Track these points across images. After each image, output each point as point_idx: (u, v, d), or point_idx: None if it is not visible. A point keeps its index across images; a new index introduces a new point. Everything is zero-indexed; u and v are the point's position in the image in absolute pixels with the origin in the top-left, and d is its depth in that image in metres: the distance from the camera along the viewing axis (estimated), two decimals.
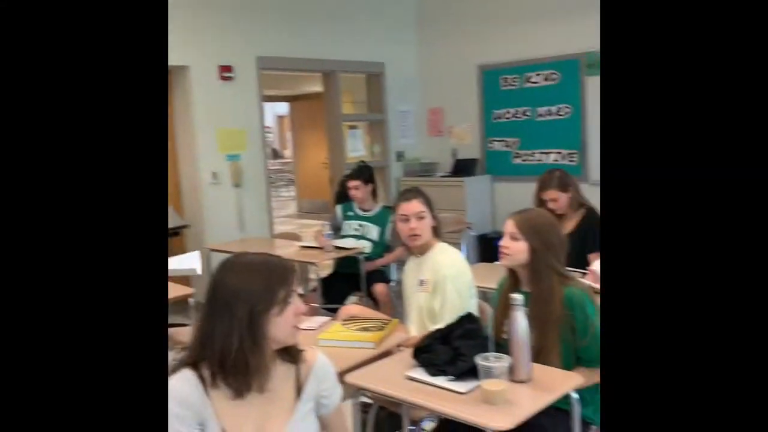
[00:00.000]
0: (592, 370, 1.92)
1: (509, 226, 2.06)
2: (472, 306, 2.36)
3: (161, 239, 1.16)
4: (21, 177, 1.03)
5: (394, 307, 3.72)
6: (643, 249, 1.07)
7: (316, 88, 6.68)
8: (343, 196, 4.32)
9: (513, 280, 2.08)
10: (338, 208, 4.26)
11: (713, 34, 1.05)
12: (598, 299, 2.03)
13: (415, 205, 2.42)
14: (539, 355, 1.93)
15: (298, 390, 1.52)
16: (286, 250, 4.00)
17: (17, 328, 1.01)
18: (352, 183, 4.04)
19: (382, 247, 4.05)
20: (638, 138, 1.08)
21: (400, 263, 4.11)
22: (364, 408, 2.40)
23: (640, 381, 1.06)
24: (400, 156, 5.95)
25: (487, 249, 5.34)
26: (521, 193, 3.68)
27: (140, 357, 1.07)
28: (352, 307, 2.69)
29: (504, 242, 2.05)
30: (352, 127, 6.08)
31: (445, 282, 2.33)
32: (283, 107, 12.05)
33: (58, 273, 1.03)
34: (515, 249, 2.02)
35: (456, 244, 4.55)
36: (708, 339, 1.02)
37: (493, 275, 2.21)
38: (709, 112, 1.04)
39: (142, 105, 1.13)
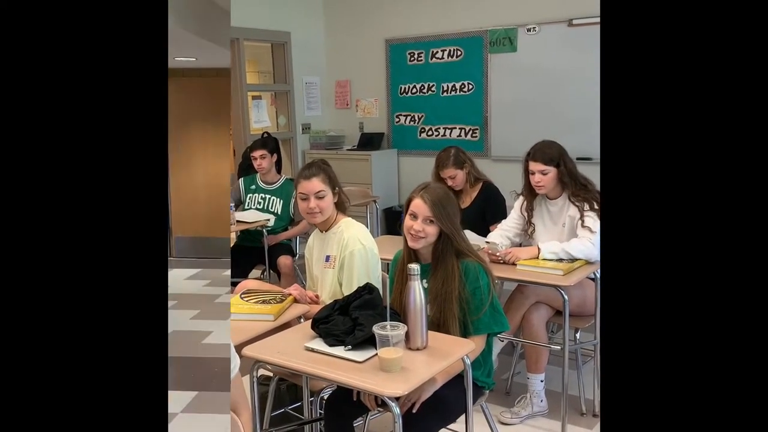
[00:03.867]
0: (482, 337, 2.01)
1: (422, 209, 1.98)
2: (377, 279, 2.38)
3: (161, 238, 1.17)
4: (21, 171, 1.04)
5: (301, 281, 3.70)
6: (644, 237, 1.04)
7: None
8: (246, 169, 4.22)
9: (410, 251, 2.11)
10: (241, 182, 4.17)
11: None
12: (492, 269, 2.11)
13: (314, 185, 2.35)
14: (440, 328, 1.98)
15: None
16: None
17: (19, 323, 1.03)
18: (258, 152, 3.95)
19: (286, 220, 4.01)
20: (639, 125, 1.05)
21: (305, 236, 4.09)
22: (264, 381, 2.39)
23: (641, 372, 1.03)
24: (306, 128, 5.88)
25: (392, 222, 5.41)
26: (426, 168, 3.73)
27: (140, 354, 1.09)
28: (248, 281, 2.65)
29: (418, 226, 1.98)
30: (257, 98, 5.91)
31: (352, 258, 2.33)
32: None
33: (54, 270, 1.03)
34: (429, 232, 1.99)
35: (362, 218, 4.58)
36: (709, 335, 1.00)
37: (398, 248, 2.24)
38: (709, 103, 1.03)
39: (143, 104, 1.12)
